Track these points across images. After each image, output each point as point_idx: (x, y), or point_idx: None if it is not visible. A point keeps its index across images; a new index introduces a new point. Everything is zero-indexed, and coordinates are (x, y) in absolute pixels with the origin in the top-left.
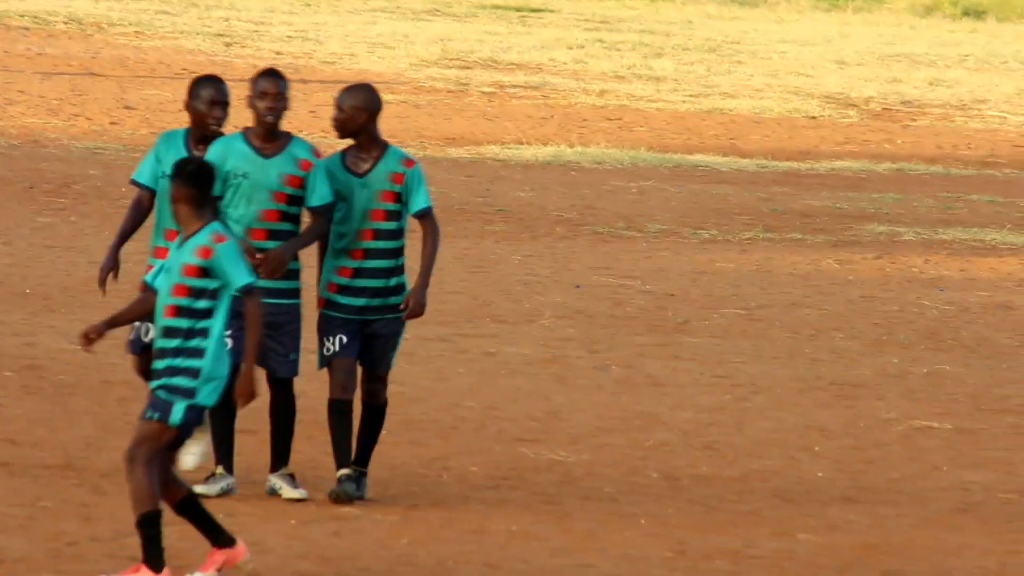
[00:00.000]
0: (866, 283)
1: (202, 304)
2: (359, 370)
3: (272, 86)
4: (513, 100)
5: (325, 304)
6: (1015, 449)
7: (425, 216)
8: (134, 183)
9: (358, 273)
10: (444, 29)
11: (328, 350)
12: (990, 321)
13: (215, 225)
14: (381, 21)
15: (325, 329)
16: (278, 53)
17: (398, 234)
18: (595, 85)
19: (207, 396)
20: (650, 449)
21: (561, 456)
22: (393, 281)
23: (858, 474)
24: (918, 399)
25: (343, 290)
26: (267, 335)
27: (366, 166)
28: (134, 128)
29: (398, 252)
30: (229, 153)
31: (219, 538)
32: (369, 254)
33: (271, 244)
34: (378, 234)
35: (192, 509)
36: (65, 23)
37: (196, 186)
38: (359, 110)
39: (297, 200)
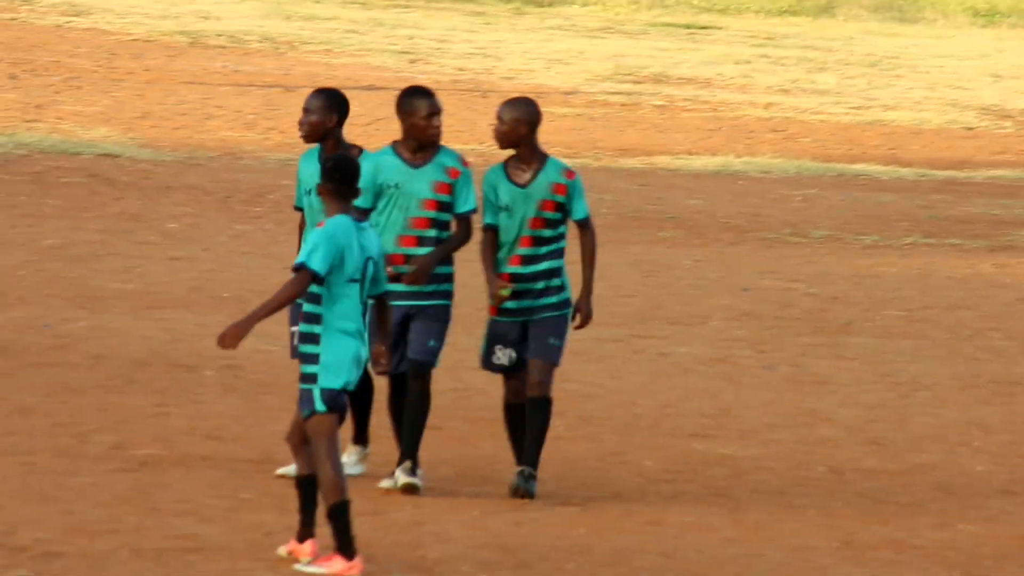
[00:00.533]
0: (1022, 286)
1: (314, 290)
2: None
3: (427, 106)
4: (683, 113)
5: (495, 312)
6: None
7: (585, 225)
8: (297, 209)
9: (519, 278)
10: (617, 46)
11: (498, 359)
12: None
13: (342, 216)
14: (557, 38)
15: (494, 336)
16: (460, 69)
17: (557, 239)
18: (761, 98)
19: (332, 379)
20: (816, 444)
21: (731, 451)
22: (555, 282)
23: (1016, 468)
24: None
25: (511, 294)
26: (408, 327)
27: (527, 176)
28: None
29: (558, 254)
30: (381, 167)
31: (308, 528)
32: (528, 260)
33: (421, 250)
34: (538, 240)
35: (306, 487)
36: (259, 42)
37: (333, 180)
38: (520, 122)
39: (446, 207)
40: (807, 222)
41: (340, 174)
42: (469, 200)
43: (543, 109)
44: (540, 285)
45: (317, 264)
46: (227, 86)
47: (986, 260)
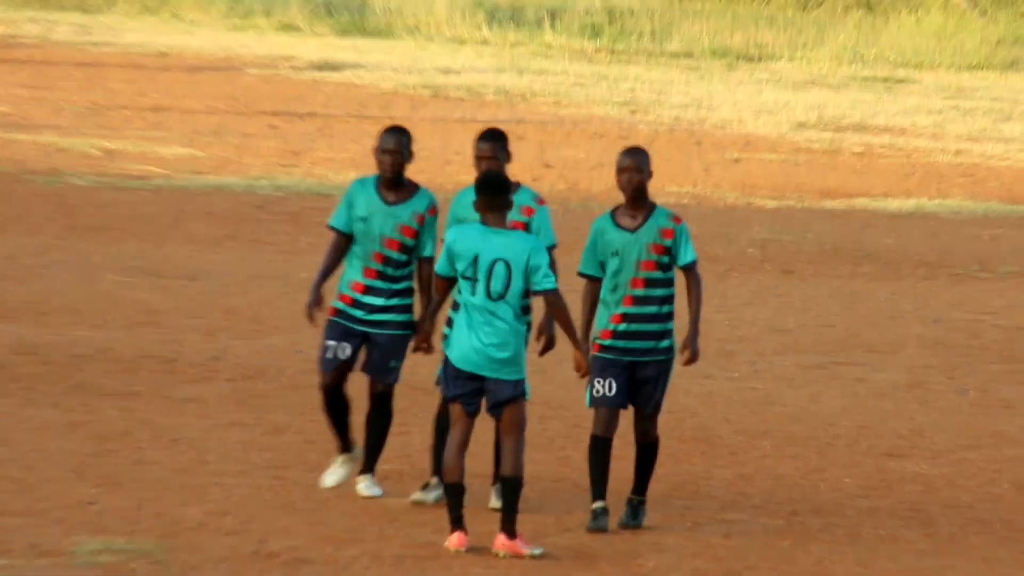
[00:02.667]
0: None
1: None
2: (631, 411)
3: (489, 149)
4: (880, 159)
5: (599, 349)
6: None
7: (691, 269)
8: (331, 228)
9: (629, 318)
10: (820, 97)
11: (598, 392)
12: None
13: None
14: (766, 91)
15: (598, 371)
16: (676, 119)
17: (667, 283)
18: (952, 145)
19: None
20: (1003, 463)
21: (924, 469)
22: (661, 327)
23: None
24: None
25: (616, 335)
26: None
27: (637, 222)
28: (552, 183)
29: (667, 300)
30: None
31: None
32: (640, 301)
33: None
34: (648, 283)
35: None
36: (494, 94)
37: (482, 193)
38: (645, 171)
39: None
40: (995, 259)
41: (490, 188)
42: (549, 236)
43: (753, 156)
44: (650, 327)
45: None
46: (465, 134)
47: None
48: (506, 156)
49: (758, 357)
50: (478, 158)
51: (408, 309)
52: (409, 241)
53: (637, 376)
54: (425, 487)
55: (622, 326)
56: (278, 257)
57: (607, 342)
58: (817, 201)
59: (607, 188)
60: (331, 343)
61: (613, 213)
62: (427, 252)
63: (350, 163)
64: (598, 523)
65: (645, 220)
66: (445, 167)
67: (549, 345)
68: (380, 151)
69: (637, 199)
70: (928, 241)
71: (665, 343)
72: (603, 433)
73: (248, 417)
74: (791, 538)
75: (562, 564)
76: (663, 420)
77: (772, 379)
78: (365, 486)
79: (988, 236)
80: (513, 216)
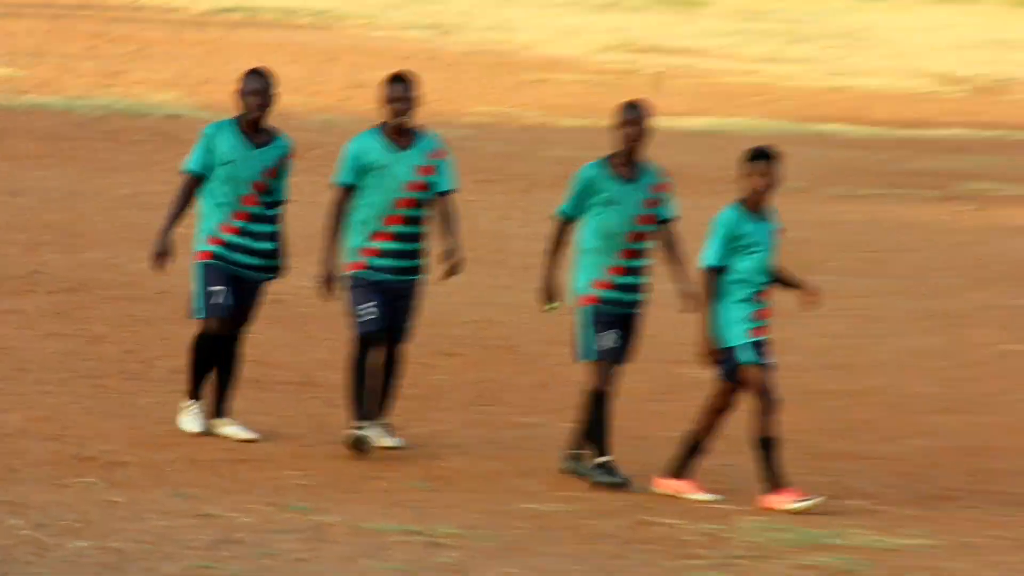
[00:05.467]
0: (968, 231)
1: None
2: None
3: (401, 90)
4: (676, 79)
5: (597, 301)
6: None
7: (671, 223)
8: (187, 172)
9: (631, 271)
10: (620, 20)
11: (604, 345)
12: None
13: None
14: (568, 14)
15: (596, 324)
16: (482, 41)
17: (650, 239)
18: (745, 66)
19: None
20: (787, 369)
21: (708, 375)
22: (647, 279)
23: (956, 389)
24: (1010, 327)
25: (617, 287)
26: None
27: (632, 174)
28: (364, 102)
29: (650, 254)
30: (367, 147)
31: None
32: (637, 255)
33: (407, 229)
34: (643, 236)
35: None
36: (307, 17)
37: None
38: (648, 129)
39: (430, 188)
40: (786, 175)
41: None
42: (451, 180)
43: (553, 76)
44: (645, 279)
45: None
46: (278, 55)
47: (938, 208)
48: (416, 98)
49: None
50: (390, 100)
51: (280, 253)
52: (274, 183)
53: (625, 331)
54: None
55: (624, 278)
56: (97, 175)
57: (607, 293)
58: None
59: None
60: (217, 288)
61: (606, 164)
62: (286, 195)
63: (166, 84)
64: (615, 477)
65: (640, 174)
66: None
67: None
68: (246, 93)
69: (638, 152)
70: (722, 159)
71: (644, 297)
72: (607, 386)
73: (68, 328)
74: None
75: (375, 465)
76: (468, 330)
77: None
78: (235, 429)
79: None
80: (421, 161)
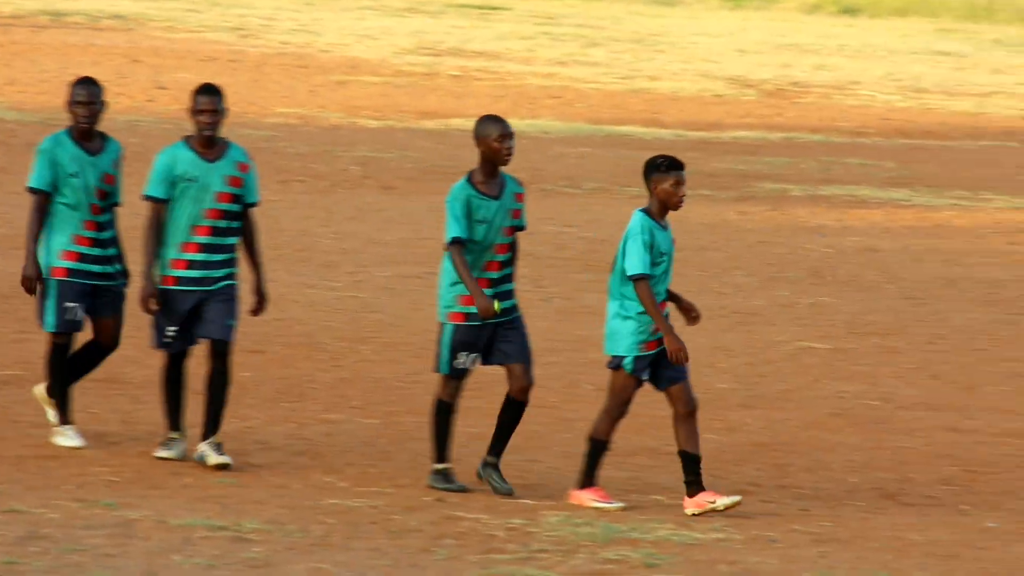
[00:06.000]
0: (761, 230)
1: None
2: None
3: (209, 102)
4: (475, 82)
5: (465, 318)
6: (879, 365)
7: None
8: (35, 190)
9: (497, 282)
10: (419, 23)
11: (462, 363)
12: (861, 261)
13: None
14: (369, 17)
15: (461, 343)
16: (284, 43)
17: (515, 247)
18: (542, 69)
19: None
20: (585, 366)
21: None
22: (513, 286)
23: (753, 385)
24: (803, 324)
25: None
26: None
27: (496, 190)
28: (166, 104)
29: (514, 262)
30: (178, 160)
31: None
32: (504, 265)
33: (216, 240)
34: (509, 248)
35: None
36: (110, 19)
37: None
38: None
39: (239, 199)
40: (581, 175)
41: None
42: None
43: (355, 78)
44: (509, 287)
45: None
46: (83, 57)
47: (731, 208)
48: (224, 110)
49: (359, 268)
50: (197, 111)
51: (123, 257)
52: (110, 188)
53: (504, 334)
54: (167, 444)
55: (490, 290)
56: None
57: (472, 309)
58: (416, 121)
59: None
60: (72, 304)
61: (472, 182)
62: (120, 199)
63: None
64: (454, 483)
65: (502, 188)
66: (65, 88)
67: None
68: (74, 103)
69: (496, 169)
70: (520, 159)
71: (515, 301)
72: (454, 400)
73: None
74: (387, 437)
75: (182, 462)
76: (272, 327)
77: (373, 289)
78: (67, 437)
79: (575, 154)
80: (231, 172)
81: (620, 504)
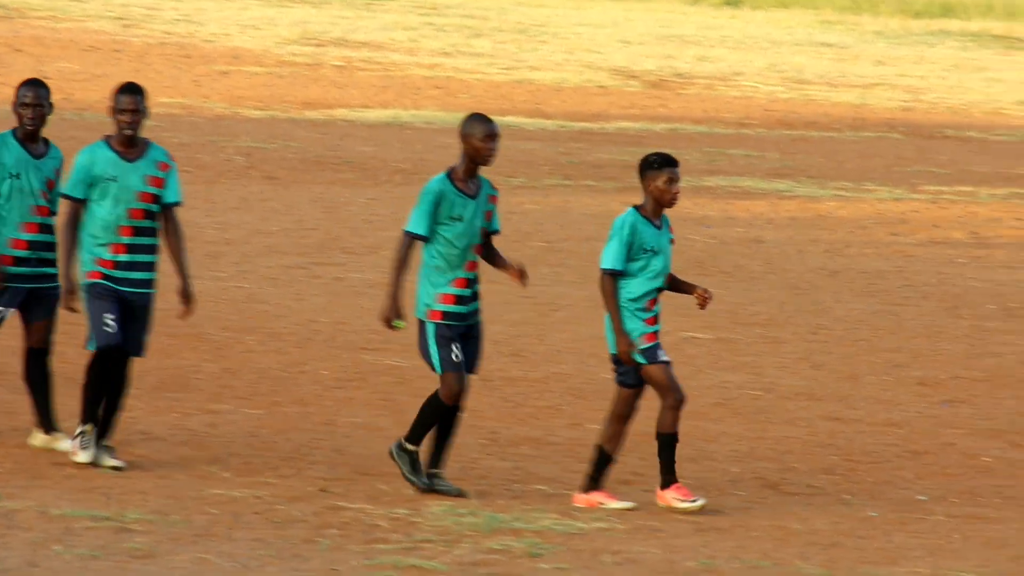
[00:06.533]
0: None
1: None
2: None
3: (130, 102)
4: (359, 72)
5: (444, 316)
6: (762, 355)
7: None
8: None
9: (473, 283)
10: (303, 14)
11: (457, 357)
12: (744, 252)
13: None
14: (252, 7)
15: (448, 339)
16: (167, 33)
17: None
18: (426, 60)
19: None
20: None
21: (397, 362)
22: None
23: None
24: (687, 315)
25: (460, 300)
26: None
27: (474, 189)
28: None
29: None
30: (96, 160)
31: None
32: (477, 266)
33: (137, 240)
34: (481, 249)
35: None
36: None
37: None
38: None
39: (159, 199)
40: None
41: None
42: (177, 192)
43: (238, 68)
44: (478, 289)
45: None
46: None
47: (616, 199)
48: (146, 110)
49: (244, 259)
50: (118, 111)
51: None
52: (53, 194)
53: (467, 341)
54: (83, 440)
55: (468, 290)
56: None
57: (454, 308)
58: (300, 112)
59: (101, 99)
60: (4, 309)
61: (450, 179)
62: (57, 206)
63: None
64: (420, 474)
65: (479, 189)
66: None
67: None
68: (20, 105)
69: (477, 169)
70: (404, 149)
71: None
72: (458, 400)
73: None
74: (271, 427)
75: (64, 455)
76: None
77: (257, 279)
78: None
79: (458, 145)
80: (151, 172)
81: (702, 502)
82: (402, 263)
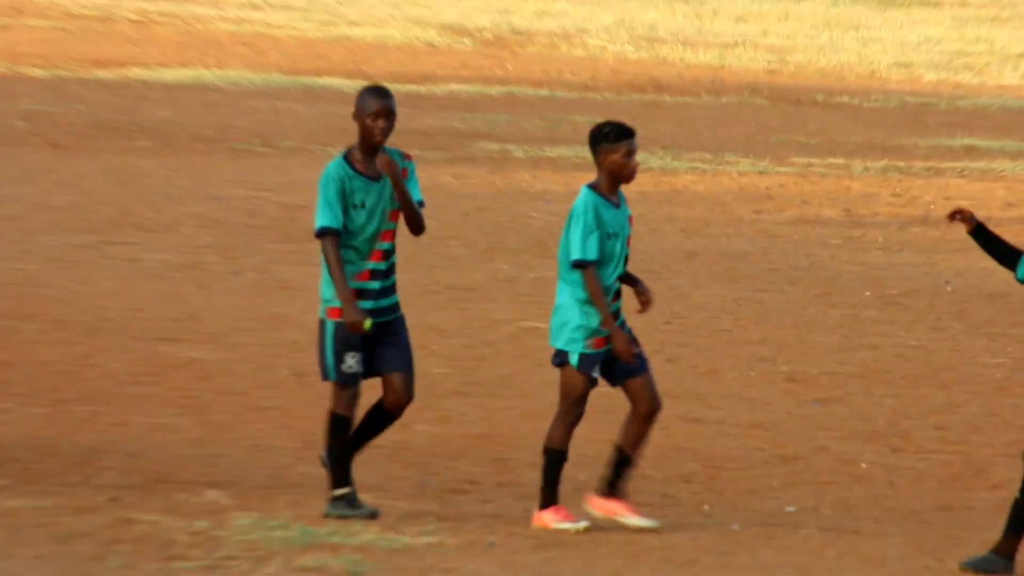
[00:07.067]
0: (479, 196)
1: None
2: None
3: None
4: (156, 27)
5: (339, 314)
6: None
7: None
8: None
9: (386, 275)
10: None
11: (350, 367)
12: None
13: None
14: None
15: (348, 345)
16: None
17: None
18: (232, 13)
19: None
20: (281, 348)
21: (199, 354)
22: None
23: (471, 370)
24: (526, 302)
25: (366, 295)
26: None
27: (377, 170)
28: None
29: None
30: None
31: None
32: (388, 255)
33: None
34: (393, 235)
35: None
36: None
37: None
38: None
39: None
40: (276, 133)
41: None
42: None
43: (19, 22)
44: (394, 280)
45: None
46: None
47: (446, 171)
48: None
49: (25, 237)
50: None
51: None
52: None
53: (386, 338)
54: None
55: (376, 284)
56: None
57: (359, 305)
58: (90, 71)
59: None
60: None
61: (348, 159)
62: None
63: None
64: (362, 508)
65: (381, 175)
66: None
67: None
68: None
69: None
70: (207, 114)
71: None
72: (352, 411)
73: None
74: (56, 428)
75: None
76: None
77: (40, 260)
78: None
79: (269, 109)
80: None
81: (586, 523)
82: (338, 262)
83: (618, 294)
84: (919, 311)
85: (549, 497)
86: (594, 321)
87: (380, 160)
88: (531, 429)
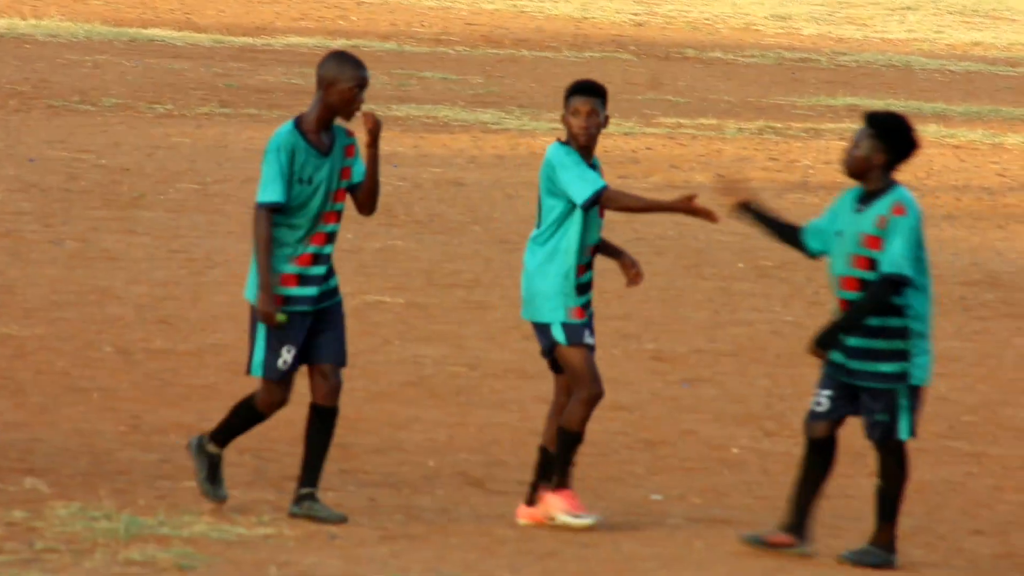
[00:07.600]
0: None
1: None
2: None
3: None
4: None
5: (284, 301)
6: (465, 323)
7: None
8: None
9: (327, 259)
10: None
11: (285, 363)
12: (442, 197)
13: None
14: None
15: (284, 337)
16: None
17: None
18: None
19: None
20: (104, 323)
21: (14, 330)
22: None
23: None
24: (370, 274)
25: (305, 281)
26: None
27: (327, 145)
28: None
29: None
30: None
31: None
32: (330, 238)
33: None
34: (338, 217)
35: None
36: None
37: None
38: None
39: None
40: (97, 89)
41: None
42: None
43: None
44: (331, 264)
45: None
46: None
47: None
48: None
49: None
50: None
51: None
52: None
53: (322, 326)
54: None
55: (316, 269)
56: None
57: (297, 291)
58: None
59: None
60: None
61: (299, 128)
62: None
63: None
64: (218, 483)
65: (332, 143)
66: None
67: None
68: None
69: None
70: (21, 68)
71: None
72: (277, 409)
73: None
74: None
75: None
76: None
77: None
78: None
79: (90, 63)
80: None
81: (591, 520)
82: (267, 242)
83: (585, 267)
84: (795, 284)
85: (562, 480)
86: (572, 290)
87: (367, 117)
88: (377, 412)
